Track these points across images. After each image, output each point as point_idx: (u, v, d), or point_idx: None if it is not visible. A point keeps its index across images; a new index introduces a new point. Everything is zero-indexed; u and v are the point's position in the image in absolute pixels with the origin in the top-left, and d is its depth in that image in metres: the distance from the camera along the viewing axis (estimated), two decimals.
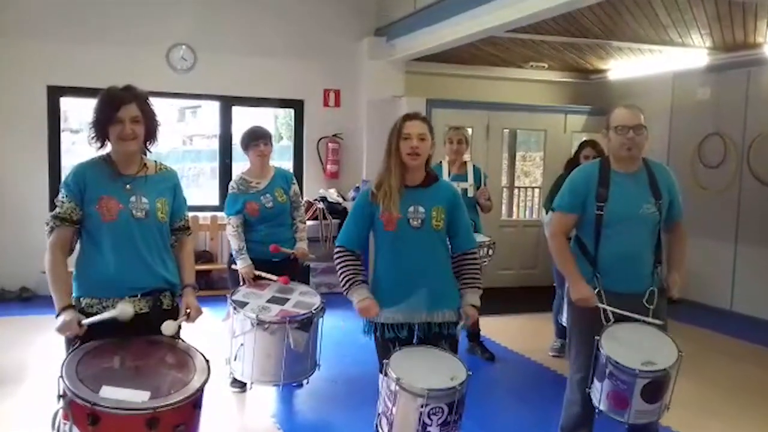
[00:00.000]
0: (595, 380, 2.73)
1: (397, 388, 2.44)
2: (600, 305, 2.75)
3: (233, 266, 4.01)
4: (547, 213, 4.92)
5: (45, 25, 6.35)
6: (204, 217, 6.92)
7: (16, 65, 6.29)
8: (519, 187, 8.36)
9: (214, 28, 6.91)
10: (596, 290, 2.79)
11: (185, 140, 10.73)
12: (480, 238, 4.34)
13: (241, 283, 3.89)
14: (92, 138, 2.40)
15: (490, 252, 4.52)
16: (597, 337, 2.68)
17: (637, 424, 2.67)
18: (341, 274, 2.75)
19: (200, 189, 7.87)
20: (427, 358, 2.64)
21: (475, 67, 7.79)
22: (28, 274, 5.76)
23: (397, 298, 2.69)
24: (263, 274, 3.85)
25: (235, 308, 3.45)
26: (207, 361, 2.27)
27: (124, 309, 2.26)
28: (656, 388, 2.58)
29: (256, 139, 3.97)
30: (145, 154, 2.53)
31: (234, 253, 3.96)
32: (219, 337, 3.73)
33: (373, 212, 2.72)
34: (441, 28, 6.07)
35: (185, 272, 2.60)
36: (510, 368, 4.83)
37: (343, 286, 2.74)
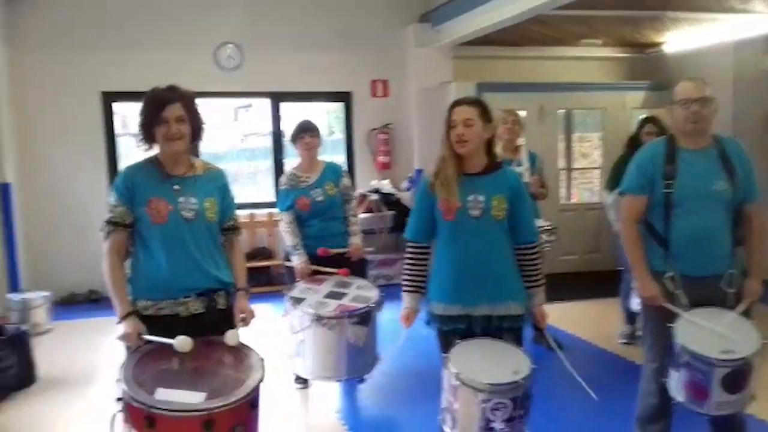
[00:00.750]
0: (671, 370, 2.58)
1: (458, 383, 2.36)
2: (665, 305, 2.60)
3: (288, 262, 3.98)
4: (609, 194, 4.73)
5: (95, 34, 6.49)
6: (261, 214, 6.97)
7: (71, 74, 6.44)
8: (577, 169, 8.09)
9: (260, 24, 6.92)
10: (669, 275, 2.63)
11: (241, 139, 10.94)
12: (540, 222, 4.20)
13: (297, 279, 3.86)
14: (140, 140, 2.42)
15: (551, 237, 4.36)
16: (671, 325, 2.53)
17: (719, 415, 2.51)
18: (403, 273, 2.76)
19: (258, 187, 7.92)
20: (489, 351, 2.54)
21: (524, 48, 7.57)
22: (95, 277, 5.81)
23: (456, 289, 2.61)
24: (320, 269, 3.80)
25: (292, 305, 3.43)
26: (261, 359, 2.24)
27: (183, 341, 2.20)
28: (737, 377, 2.42)
29: (302, 131, 3.94)
30: (196, 155, 2.53)
31: (289, 249, 3.93)
32: (280, 334, 3.72)
33: (433, 201, 2.63)
34: (487, 10, 5.90)
35: (237, 275, 2.58)
36: (578, 357, 4.63)
37: (402, 286, 2.75)
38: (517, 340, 2.65)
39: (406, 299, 2.72)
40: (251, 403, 2.09)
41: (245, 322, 2.45)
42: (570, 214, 7.42)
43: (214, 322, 2.36)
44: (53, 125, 6.44)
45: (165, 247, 2.36)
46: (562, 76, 7.62)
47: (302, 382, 3.97)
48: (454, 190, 2.55)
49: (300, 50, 7.02)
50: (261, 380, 2.12)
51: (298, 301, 3.44)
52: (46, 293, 5.52)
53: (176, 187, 2.40)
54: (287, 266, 4.04)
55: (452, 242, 2.62)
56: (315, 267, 3.82)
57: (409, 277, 2.72)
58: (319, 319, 3.28)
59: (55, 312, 5.64)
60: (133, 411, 1.97)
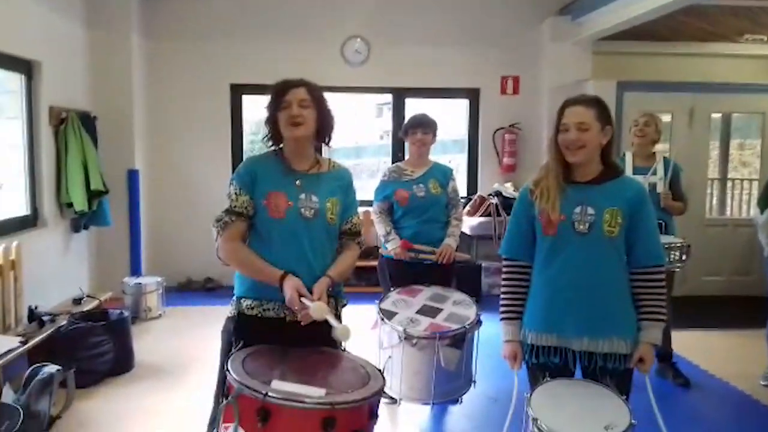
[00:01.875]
0: None
1: (535, 430, 2.02)
2: None
3: (382, 251, 3.76)
4: (762, 212, 4.09)
5: (225, 27, 6.63)
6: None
7: (201, 65, 6.64)
8: (733, 179, 7.18)
9: (388, 17, 6.77)
10: None
11: (382, 135, 11.06)
12: (669, 239, 3.68)
13: (389, 278, 3.66)
14: (266, 137, 2.36)
15: (684, 257, 3.81)
16: None
17: None
18: (501, 296, 2.42)
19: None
20: (582, 396, 2.18)
21: (675, 43, 6.81)
22: (212, 265, 6.05)
23: (552, 315, 2.26)
24: (416, 247, 3.60)
25: (382, 318, 3.21)
26: (380, 370, 2.09)
27: (344, 329, 2.05)
28: None
29: (415, 126, 3.71)
30: (320, 151, 2.44)
31: (382, 238, 3.72)
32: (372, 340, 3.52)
33: (534, 213, 2.30)
34: (634, 1, 5.32)
35: (335, 265, 2.32)
36: (709, 397, 4.07)
37: (500, 313, 2.42)
38: (623, 386, 2.25)
39: (507, 330, 2.38)
40: (371, 410, 1.94)
41: (303, 313, 2.12)
42: (718, 230, 6.63)
43: (320, 331, 2.14)
44: (182, 115, 6.68)
45: (279, 244, 2.23)
46: (718, 76, 6.78)
47: (389, 397, 3.74)
48: (556, 199, 2.22)
49: (428, 44, 6.79)
50: (383, 386, 1.98)
51: (389, 314, 3.21)
52: (159, 279, 5.71)
53: (298, 182, 2.28)
54: (381, 261, 3.83)
55: (551, 261, 2.27)
56: (411, 245, 3.61)
57: (507, 302, 2.39)
58: (408, 337, 3.04)
59: (169, 298, 5.82)
60: (245, 403, 1.80)
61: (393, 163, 7.03)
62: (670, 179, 4.04)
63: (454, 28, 6.82)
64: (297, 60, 6.33)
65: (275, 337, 2.19)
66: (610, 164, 2.31)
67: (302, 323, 2.13)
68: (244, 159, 2.55)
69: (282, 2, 6.67)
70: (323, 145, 2.42)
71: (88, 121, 5.56)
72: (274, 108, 2.27)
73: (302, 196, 2.26)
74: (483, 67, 6.89)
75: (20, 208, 4.85)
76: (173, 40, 6.59)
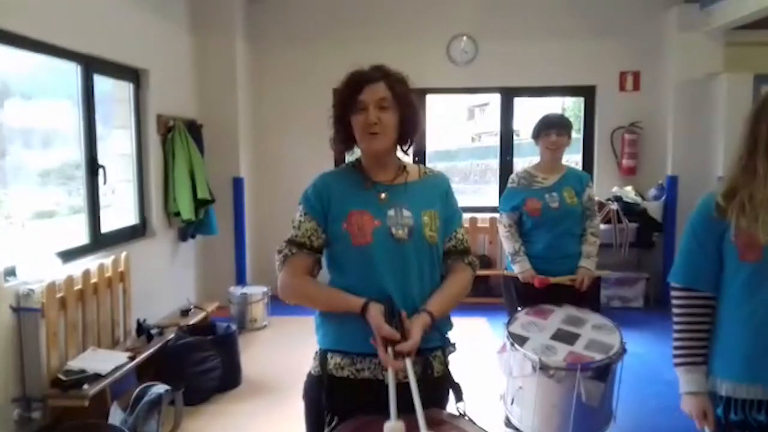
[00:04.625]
0: None
1: None
2: None
3: (507, 272, 3.40)
4: None
5: (328, 29, 6.49)
6: (483, 219, 6.48)
7: (304, 70, 6.51)
8: None
9: (496, 13, 6.42)
10: None
11: (474, 137, 10.71)
12: None
13: (515, 297, 3.30)
14: (333, 140, 1.87)
15: None
16: None
17: None
18: (676, 336, 1.91)
19: (488, 185, 7.52)
20: None
21: None
22: None
23: (756, 362, 1.78)
24: (553, 281, 3.20)
25: (513, 344, 2.86)
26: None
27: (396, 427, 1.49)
28: None
29: (548, 127, 3.29)
30: (419, 157, 2.02)
31: (509, 256, 3.34)
32: (489, 356, 3.17)
33: (723, 232, 1.82)
34: None
35: (437, 295, 1.79)
36: None
37: (675, 357, 1.91)
38: None
39: (691, 379, 1.87)
40: None
41: (397, 347, 1.62)
42: None
43: (428, 392, 1.63)
44: (285, 121, 6.58)
45: (366, 278, 1.74)
46: None
47: (514, 428, 3.38)
48: (764, 218, 1.73)
49: (539, 40, 6.38)
50: None
51: (519, 340, 2.86)
52: (264, 288, 5.60)
53: (383, 195, 1.81)
54: (505, 278, 3.47)
55: (753, 293, 1.78)
56: (541, 277, 3.21)
57: (689, 344, 1.88)
58: (544, 368, 2.68)
59: (273, 307, 5.70)
60: None
61: (500, 165, 6.80)
62: None
63: (566, 21, 6.37)
64: (400, 61, 5.88)
65: (372, 404, 1.63)
66: None
67: (388, 369, 1.61)
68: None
69: (386, 3, 6.47)
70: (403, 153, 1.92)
71: (194, 129, 5.53)
72: (345, 108, 1.80)
73: (391, 212, 1.78)
74: (599, 63, 6.41)
75: (129, 218, 4.84)
76: (276, 45, 6.51)
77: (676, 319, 1.93)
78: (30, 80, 4.11)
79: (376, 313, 1.65)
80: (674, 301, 1.94)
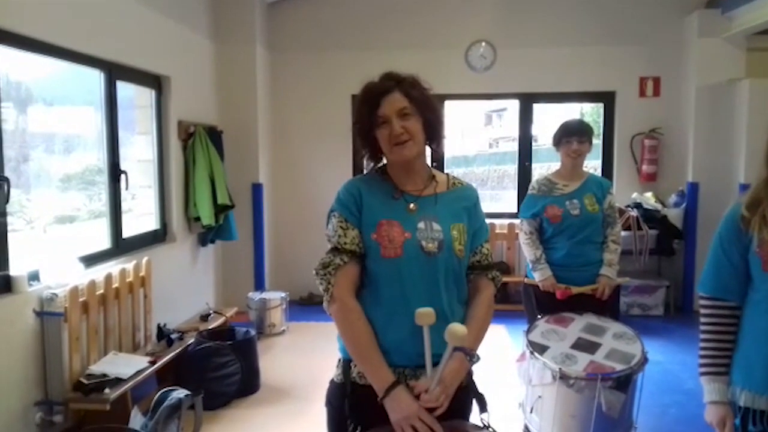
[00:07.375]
0: None
1: None
2: None
3: (527, 280, 3.39)
4: None
5: (347, 36, 6.52)
6: (501, 225, 6.46)
7: (323, 77, 6.55)
8: None
9: (515, 18, 6.41)
10: None
11: (491, 143, 10.69)
12: None
13: (535, 305, 3.28)
14: (364, 156, 1.86)
15: None
16: None
17: None
18: (702, 345, 1.91)
19: (505, 191, 7.49)
20: None
21: None
22: None
23: None
24: (575, 291, 3.19)
25: (532, 352, 2.85)
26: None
27: None
28: None
29: (570, 134, 3.28)
30: (441, 167, 2.01)
31: (530, 264, 3.33)
32: (509, 364, 3.16)
33: (747, 243, 1.80)
34: None
35: (470, 329, 1.69)
36: None
37: (701, 366, 1.90)
38: None
39: (714, 389, 1.86)
40: None
41: (430, 392, 1.60)
42: None
43: (459, 407, 1.69)
44: (304, 128, 6.62)
45: (396, 292, 1.70)
46: None
47: None
48: None
49: (558, 46, 6.36)
50: None
51: (539, 348, 2.85)
52: (283, 294, 5.61)
53: (412, 206, 1.77)
54: (525, 286, 3.45)
55: None
56: (563, 288, 3.20)
57: (713, 353, 1.88)
58: (564, 377, 2.66)
59: (291, 312, 5.71)
60: None
61: (518, 171, 6.77)
62: None
63: (586, 27, 6.35)
64: (418, 67, 5.96)
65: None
66: None
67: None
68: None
69: (404, 9, 6.48)
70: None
71: (214, 135, 5.58)
72: (367, 125, 1.76)
73: (421, 224, 1.74)
74: (619, 68, 6.37)
75: (150, 222, 4.89)
76: (295, 51, 6.55)
77: (702, 328, 1.93)
78: (53, 86, 4.17)
79: (408, 411, 1.59)
80: (702, 311, 1.94)
